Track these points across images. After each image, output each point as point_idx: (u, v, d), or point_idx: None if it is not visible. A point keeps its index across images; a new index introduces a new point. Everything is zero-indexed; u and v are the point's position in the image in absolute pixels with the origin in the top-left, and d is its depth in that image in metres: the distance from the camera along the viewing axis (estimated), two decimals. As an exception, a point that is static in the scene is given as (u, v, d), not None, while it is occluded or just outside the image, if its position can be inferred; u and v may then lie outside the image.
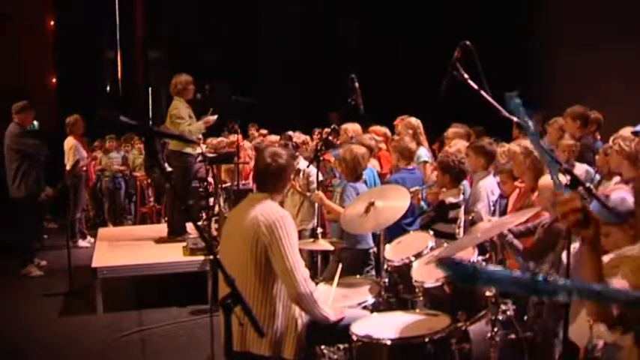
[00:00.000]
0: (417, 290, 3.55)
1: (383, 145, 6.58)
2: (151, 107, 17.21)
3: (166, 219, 7.63)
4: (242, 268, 3.12)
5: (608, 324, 1.94)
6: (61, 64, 15.06)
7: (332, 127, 5.26)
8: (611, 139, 4.51)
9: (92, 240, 8.70)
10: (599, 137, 6.34)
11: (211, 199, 7.37)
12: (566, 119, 6.05)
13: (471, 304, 3.29)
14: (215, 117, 6.83)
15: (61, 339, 5.44)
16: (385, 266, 3.95)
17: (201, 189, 7.65)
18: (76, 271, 6.89)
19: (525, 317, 3.58)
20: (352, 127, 6.40)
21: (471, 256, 3.57)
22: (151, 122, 15.31)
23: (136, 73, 17.21)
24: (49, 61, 14.97)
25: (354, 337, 3.10)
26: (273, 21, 14.40)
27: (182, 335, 5.38)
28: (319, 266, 4.96)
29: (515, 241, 3.86)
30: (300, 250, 3.28)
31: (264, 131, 10.20)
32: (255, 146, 7.59)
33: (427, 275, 3.52)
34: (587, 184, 2.30)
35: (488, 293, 3.13)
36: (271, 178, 3.30)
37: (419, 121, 6.37)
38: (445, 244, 3.86)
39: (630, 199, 2.53)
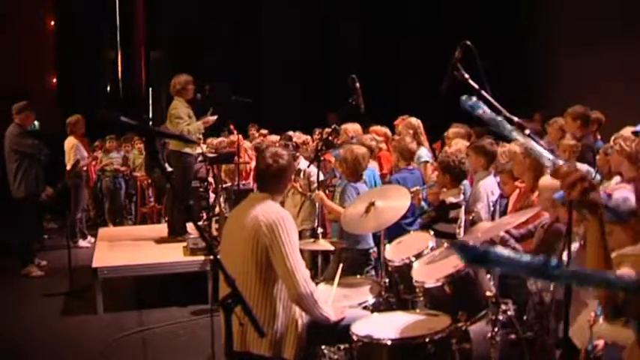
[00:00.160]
0: (417, 290, 3.54)
1: (383, 146, 6.57)
2: (151, 107, 17.23)
3: (167, 219, 7.62)
4: (242, 268, 3.12)
5: (615, 311, 1.94)
6: (61, 64, 15.05)
7: (332, 127, 5.26)
8: (612, 139, 4.52)
9: (92, 240, 8.69)
10: (599, 137, 6.34)
11: (212, 199, 7.38)
12: (567, 119, 6.04)
13: (471, 305, 3.28)
14: (215, 117, 6.83)
15: (62, 339, 5.44)
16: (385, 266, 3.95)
17: (201, 189, 7.65)
18: (76, 271, 6.89)
19: (525, 317, 3.58)
20: (352, 127, 6.39)
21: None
22: (151, 122, 15.33)
23: (136, 73, 17.22)
24: (49, 61, 14.95)
25: (355, 337, 3.10)
26: (273, 21, 14.39)
27: (182, 335, 5.38)
28: (320, 266, 4.96)
29: (517, 246, 3.86)
30: (302, 251, 3.28)
31: (264, 131, 10.20)
32: (256, 146, 7.59)
33: (427, 275, 3.51)
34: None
35: (488, 293, 3.13)
36: (272, 179, 3.31)
37: (419, 121, 6.37)
38: (445, 245, 3.86)
39: (633, 199, 2.53)
